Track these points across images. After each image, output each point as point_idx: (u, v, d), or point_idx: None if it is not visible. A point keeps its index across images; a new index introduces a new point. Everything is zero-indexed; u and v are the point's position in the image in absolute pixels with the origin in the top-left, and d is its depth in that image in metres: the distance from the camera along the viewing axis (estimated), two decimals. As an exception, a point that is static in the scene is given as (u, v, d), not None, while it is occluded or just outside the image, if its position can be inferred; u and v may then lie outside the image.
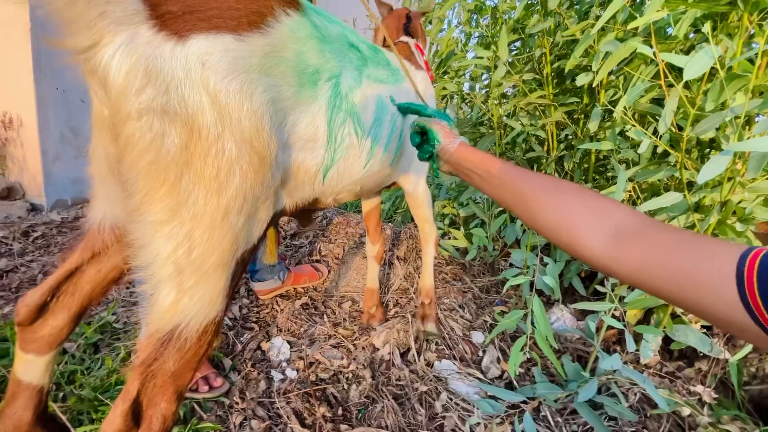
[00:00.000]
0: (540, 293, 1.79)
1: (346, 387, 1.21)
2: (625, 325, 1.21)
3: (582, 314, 1.64)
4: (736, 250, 0.40)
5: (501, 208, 1.88)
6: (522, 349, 1.23)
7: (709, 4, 0.99)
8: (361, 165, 0.93)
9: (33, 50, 2.23)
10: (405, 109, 0.97)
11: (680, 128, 1.18)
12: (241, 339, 1.40)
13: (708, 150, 1.27)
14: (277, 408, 1.11)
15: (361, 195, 1.17)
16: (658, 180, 1.17)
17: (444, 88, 1.86)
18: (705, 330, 1.27)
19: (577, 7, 1.50)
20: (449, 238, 2.10)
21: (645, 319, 1.39)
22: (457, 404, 1.18)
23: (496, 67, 1.56)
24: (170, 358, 0.60)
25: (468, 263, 1.96)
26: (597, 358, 1.24)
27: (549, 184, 0.61)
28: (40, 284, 0.76)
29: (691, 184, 1.22)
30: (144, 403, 0.61)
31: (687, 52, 1.30)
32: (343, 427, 1.07)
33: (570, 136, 1.68)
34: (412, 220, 2.63)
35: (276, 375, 1.24)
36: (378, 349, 1.38)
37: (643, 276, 0.46)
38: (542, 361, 1.38)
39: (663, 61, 0.93)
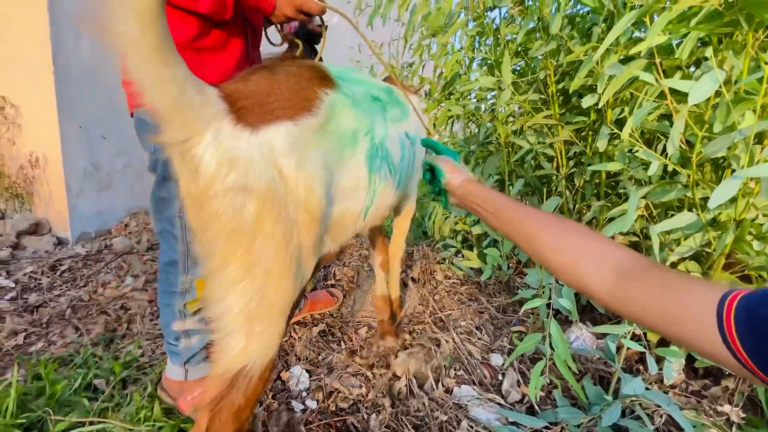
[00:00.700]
0: (557, 312, 1.78)
1: (366, 417, 1.22)
2: (645, 346, 1.19)
3: (602, 333, 1.62)
4: (718, 293, 0.44)
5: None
6: (542, 373, 1.22)
7: (711, 25, 1.00)
8: (392, 195, 1.05)
9: (57, 92, 2.35)
10: (424, 145, 1.05)
11: (690, 144, 1.18)
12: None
13: (721, 165, 1.26)
14: (300, 440, 1.12)
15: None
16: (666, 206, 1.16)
17: (449, 110, 1.89)
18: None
19: (580, 25, 1.52)
20: (462, 258, 2.10)
21: (667, 338, 1.36)
22: (478, 432, 1.17)
23: (501, 89, 1.58)
24: (237, 395, 0.69)
25: (483, 282, 1.96)
26: (619, 379, 1.22)
27: (552, 223, 0.65)
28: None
29: (705, 199, 1.21)
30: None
31: (694, 65, 1.30)
32: (365, 459, 1.08)
33: (579, 153, 1.68)
34: (425, 235, 2.65)
35: (297, 405, 1.26)
36: (398, 377, 1.39)
37: (643, 317, 0.51)
38: (563, 383, 1.36)
39: (666, 86, 0.94)
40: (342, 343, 1.57)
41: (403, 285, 1.96)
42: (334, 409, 1.25)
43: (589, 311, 1.69)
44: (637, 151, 1.16)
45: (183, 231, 1.06)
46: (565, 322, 1.74)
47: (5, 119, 2.46)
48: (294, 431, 1.16)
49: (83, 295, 1.88)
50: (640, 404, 1.19)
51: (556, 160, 1.74)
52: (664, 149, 1.17)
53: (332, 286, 1.99)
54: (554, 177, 1.74)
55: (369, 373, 1.41)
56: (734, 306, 0.42)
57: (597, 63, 1.28)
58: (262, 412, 1.22)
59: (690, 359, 1.33)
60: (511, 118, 1.88)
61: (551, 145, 1.69)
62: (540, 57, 1.55)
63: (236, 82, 0.72)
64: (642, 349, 1.11)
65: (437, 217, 2.29)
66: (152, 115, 0.57)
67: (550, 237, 0.63)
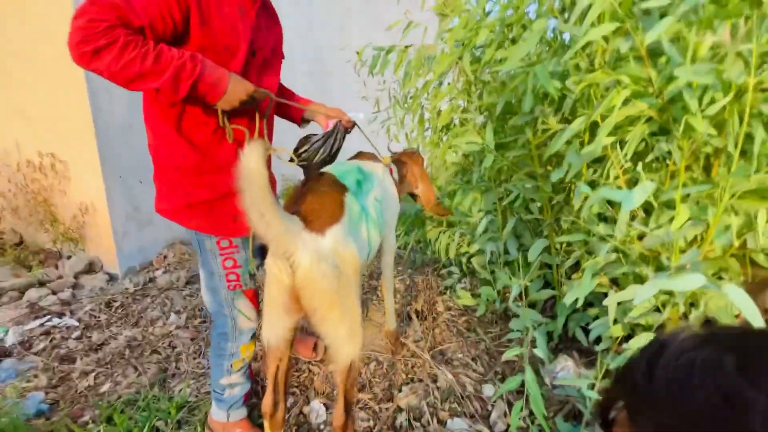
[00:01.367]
0: (550, 337, 1.98)
1: (373, 450, 1.48)
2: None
3: (586, 364, 1.81)
4: None
5: (505, 260, 2.07)
6: (522, 409, 1.44)
7: (652, 127, 1.15)
8: (378, 240, 1.50)
9: (98, 147, 2.67)
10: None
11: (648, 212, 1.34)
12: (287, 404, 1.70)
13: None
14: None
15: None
16: (624, 273, 1.33)
17: (445, 160, 2.07)
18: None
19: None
20: (463, 286, 2.30)
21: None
22: (465, 463, 1.41)
23: (485, 150, 1.75)
24: (350, 377, 1.22)
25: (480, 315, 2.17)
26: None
27: None
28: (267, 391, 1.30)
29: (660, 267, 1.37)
30: (348, 401, 1.25)
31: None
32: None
33: (563, 201, 1.84)
34: (424, 264, 2.86)
35: (317, 439, 1.54)
36: (401, 410, 1.64)
37: None
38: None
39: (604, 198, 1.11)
40: (354, 377, 1.83)
41: (407, 318, 2.20)
42: (346, 442, 1.51)
43: (575, 340, 1.88)
44: (597, 225, 1.33)
45: (230, 310, 1.37)
46: (555, 350, 1.94)
47: (56, 174, 2.81)
48: (314, 463, 1.44)
49: (137, 335, 2.22)
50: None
51: (542, 205, 1.90)
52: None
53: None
54: (542, 221, 1.91)
55: (376, 407, 1.67)
56: None
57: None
58: (289, 444, 1.50)
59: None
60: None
61: (537, 191, 1.85)
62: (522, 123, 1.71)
63: (298, 204, 1.18)
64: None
65: (442, 243, 2.49)
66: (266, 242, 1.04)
67: None
